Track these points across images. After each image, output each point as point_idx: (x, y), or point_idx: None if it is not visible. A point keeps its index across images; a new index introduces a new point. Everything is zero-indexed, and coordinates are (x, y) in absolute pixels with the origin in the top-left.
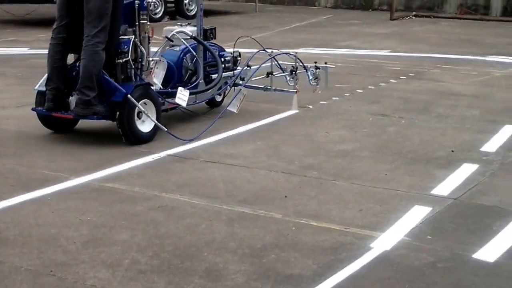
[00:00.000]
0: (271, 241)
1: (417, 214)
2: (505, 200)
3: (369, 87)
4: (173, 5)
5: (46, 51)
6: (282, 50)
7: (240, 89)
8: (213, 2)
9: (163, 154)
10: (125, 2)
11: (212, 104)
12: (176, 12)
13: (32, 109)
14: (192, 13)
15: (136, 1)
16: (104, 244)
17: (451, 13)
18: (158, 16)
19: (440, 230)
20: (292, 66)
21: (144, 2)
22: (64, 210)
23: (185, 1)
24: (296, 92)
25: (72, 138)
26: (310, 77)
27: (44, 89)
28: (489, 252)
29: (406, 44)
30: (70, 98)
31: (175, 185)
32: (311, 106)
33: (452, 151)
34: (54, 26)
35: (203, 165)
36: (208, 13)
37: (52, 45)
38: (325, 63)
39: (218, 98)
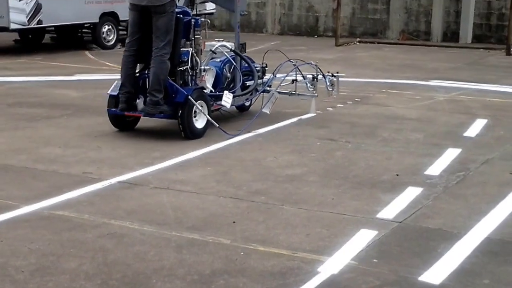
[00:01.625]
0: (219, 267)
1: (363, 238)
2: (449, 222)
3: (317, 111)
4: (125, 32)
5: (1, 79)
6: (305, 61)
7: (273, 93)
8: None
9: (113, 180)
10: (184, 20)
11: (242, 109)
12: None
13: (107, 110)
14: (111, 43)
15: (192, 20)
16: (52, 273)
17: (393, 39)
18: (110, 43)
19: (386, 254)
20: (313, 75)
21: (198, 21)
22: (13, 239)
23: None
24: (317, 95)
25: (23, 166)
26: (328, 83)
27: (115, 93)
28: (434, 275)
29: (352, 69)
30: (137, 100)
31: (124, 212)
32: (259, 131)
33: (397, 175)
34: (127, 41)
35: (152, 192)
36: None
37: (125, 57)
38: (337, 72)
39: (247, 104)
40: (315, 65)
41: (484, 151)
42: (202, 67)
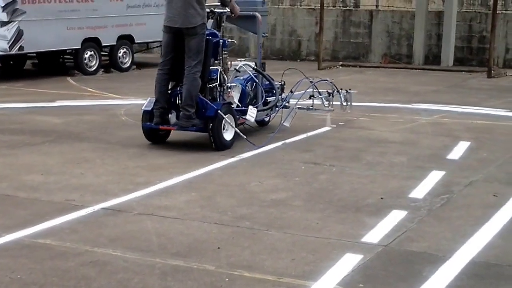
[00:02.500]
0: None
1: (348, 262)
2: (434, 246)
3: (301, 135)
4: (107, 58)
5: None
6: (322, 78)
7: (293, 108)
8: (146, 55)
9: (96, 207)
10: (213, 41)
11: (261, 123)
12: (111, 65)
13: (142, 124)
14: (126, 65)
15: (220, 40)
16: None
17: (376, 62)
18: (92, 69)
19: (371, 278)
20: (332, 90)
21: (226, 41)
22: None
23: (119, 55)
24: (334, 110)
25: (4, 194)
26: (342, 99)
27: (149, 109)
28: None
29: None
30: (170, 115)
31: (107, 239)
32: (244, 156)
33: (382, 198)
34: (161, 60)
35: (136, 218)
36: (142, 65)
37: (159, 75)
38: (349, 89)
39: (266, 119)
40: (331, 82)
41: (468, 173)
42: (229, 84)
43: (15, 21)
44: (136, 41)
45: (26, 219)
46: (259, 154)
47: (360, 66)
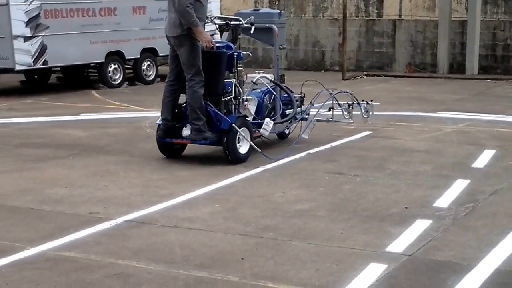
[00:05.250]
0: None
1: (373, 272)
2: (459, 255)
3: (325, 145)
4: (131, 71)
5: (8, 120)
6: (341, 89)
7: (312, 120)
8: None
9: (120, 220)
10: (228, 54)
11: (282, 136)
12: (135, 78)
13: (156, 138)
14: (151, 78)
15: (235, 53)
16: None
17: (400, 72)
18: (117, 82)
19: (396, 287)
20: (351, 102)
21: (241, 54)
22: (19, 281)
23: (143, 67)
24: (353, 121)
25: (29, 207)
26: (363, 111)
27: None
28: None
29: None
30: (184, 128)
31: (131, 252)
32: (267, 166)
33: (406, 208)
34: (168, 74)
35: (160, 230)
36: (165, 78)
37: (165, 87)
38: (371, 100)
39: (286, 131)
40: (350, 94)
41: (493, 181)
42: (245, 97)
43: (38, 35)
44: (159, 54)
45: (50, 232)
46: (283, 165)
47: (385, 76)
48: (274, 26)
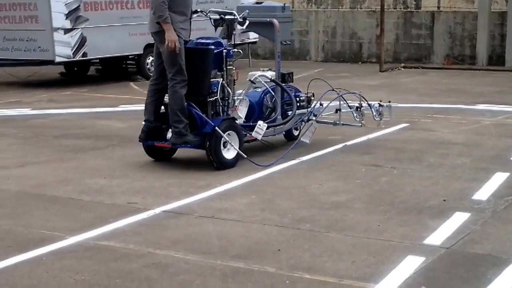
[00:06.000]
0: None
1: (410, 265)
2: (498, 248)
3: (361, 138)
4: None
5: (48, 112)
6: (348, 90)
7: (312, 123)
8: None
9: (158, 210)
10: (215, 51)
11: (290, 137)
12: None
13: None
14: None
15: (224, 50)
16: None
17: (438, 64)
18: None
19: (434, 280)
20: (360, 103)
21: (230, 51)
22: (59, 270)
23: None
24: (361, 125)
25: (69, 197)
26: (374, 113)
27: None
28: None
29: (396, 95)
30: (169, 131)
31: (169, 242)
32: (304, 158)
33: (444, 200)
34: (153, 72)
35: (197, 221)
36: None
37: (149, 86)
38: (389, 101)
39: (295, 133)
40: (359, 95)
41: None
42: (236, 97)
43: (78, 28)
44: None
45: (90, 221)
46: (320, 157)
47: (422, 68)
48: (275, 20)
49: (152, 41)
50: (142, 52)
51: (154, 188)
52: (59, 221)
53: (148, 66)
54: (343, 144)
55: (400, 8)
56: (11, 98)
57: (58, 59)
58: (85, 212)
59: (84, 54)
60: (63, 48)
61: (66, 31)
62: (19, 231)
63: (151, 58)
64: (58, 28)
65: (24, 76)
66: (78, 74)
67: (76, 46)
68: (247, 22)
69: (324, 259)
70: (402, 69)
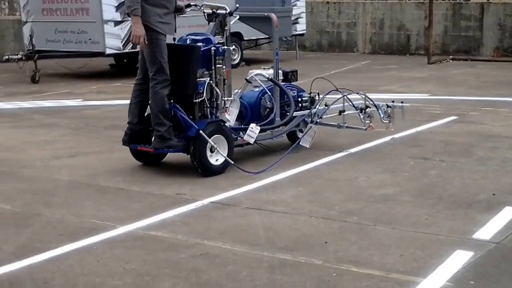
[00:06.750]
0: (312, 287)
1: (459, 259)
2: None
3: (410, 130)
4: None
5: (98, 103)
6: (352, 90)
7: (311, 126)
8: (254, 51)
9: (206, 201)
10: (202, 48)
11: (295, 140)
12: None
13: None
14: (235, 62)
15: (212, 48)
16: None
17: (487, 56)
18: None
19: (483, 275)
20: (364, 105)
21: (220, 49)
22: (109, 259)
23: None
24: (366, 129)
25: (119, 188)
26: (382, 115)
27: None
28: None
29: (445, 87)
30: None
31: (217, 233)
32: (351, 151)
33: (494, 194)
34: (138, 71)
35: (245, 212)
36: (250, 61)
37: (134, 86)
38: (402, 102)
39: (300, 135)
40: (364, 95)
41: None
42: (226, 98)
43: (128, 20)
44: (244, 38)
45: (139, 211)
46: (367, 149)
47: (471, 60)
48: (272, 15)
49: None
50: None
51: (202, 179)
52: (109, 210)
53: None
54: (391, 136)
55: (449, 0)
56: (62, 89)
57: (108, 51)
58: (134, 203)
59: (134, 46)
60: (113, 40)
61: (116, 23)
62: (71, 220)
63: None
64: (109, 21)
65: (75, 67)
66: (128, 66)
67: (126, 38)
68: (237, 17)
69: (372, 252)
70: (451, 61)
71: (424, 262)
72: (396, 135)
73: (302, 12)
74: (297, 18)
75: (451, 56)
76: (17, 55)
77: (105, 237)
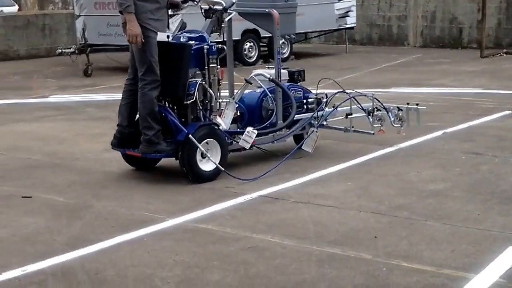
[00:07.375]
0: (361, 282)
1: (511, 256)
2: None
3: (462, 125)
4: (266, 49)
5: None
6: (361, 91)
7: (313, 130)
8: (304, 45)
9: (254, 195)
10: (194, 47)
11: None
12: (269, 56)
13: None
14: (285, 55)
15: (205, 46)
16: (196, 284)
17: None
18: (252, 60)
19: None
20: (372, 108)
21: (213, 47)
22: (159, 250)
23: (244, 48)
24: (375, 133)
25: (168, 180)
26: (392, 119)
27: None
28: None
29: (498, 82)
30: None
31: (265, 226)
32: (402, 145)
33: None
34: (128, 71)
35: (293, 206)
36: (300, 55)
37: (124, 87)
38: (417, 104)
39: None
40: (372, 97)
41: None
42: (221, 100)
43: (178, 13)
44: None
45: (188, 204)
46: (418, 144)
47: None
48: (274, 11)
49: (250, 26)
50: (239, 38)
51: (250, 173)
52: (159, 203)
53: (245, 52)
54: (443, 131)
55: None
56: (113, 83)
57: None
58: (183, 196)
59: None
60: (163, 34)
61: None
62: (121, 212)
63: (248, 44)
64: None
65: (126, 61)
66: None
67: (176, 32)
68: (233, 13)
69: (422, 247)
70: (504, 55)
71: (476, 258)
72: (448, 130)
73: (353, 5)
74: (347, 12)
75: (504, 50)
76: (70, 48)
77: (155, 229)
